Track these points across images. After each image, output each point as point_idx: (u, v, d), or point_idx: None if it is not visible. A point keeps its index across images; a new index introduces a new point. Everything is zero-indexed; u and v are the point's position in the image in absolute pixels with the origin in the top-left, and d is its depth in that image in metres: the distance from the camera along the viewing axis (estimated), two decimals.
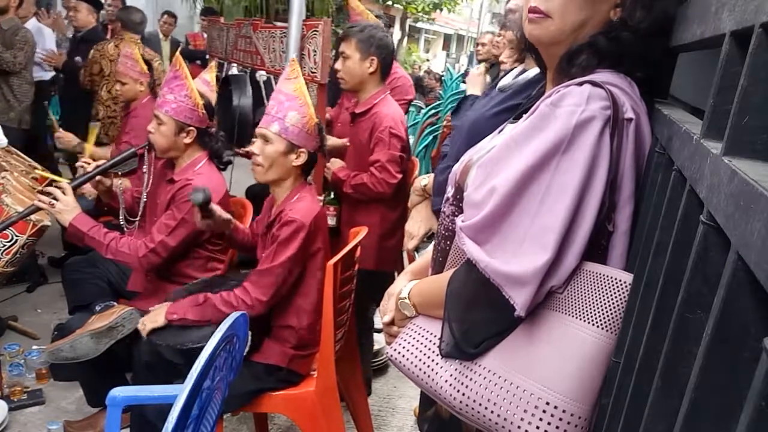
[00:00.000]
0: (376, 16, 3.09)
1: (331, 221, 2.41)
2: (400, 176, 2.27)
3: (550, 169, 0.79)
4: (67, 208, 2.01)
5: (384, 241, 2.39)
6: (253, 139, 1.85)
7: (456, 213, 0.96)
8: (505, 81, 1.53)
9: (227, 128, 2.87)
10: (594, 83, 0.81)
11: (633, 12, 0.85)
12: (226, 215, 1.90)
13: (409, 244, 1.87)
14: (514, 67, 1.58)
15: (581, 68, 0.87)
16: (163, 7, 6.36)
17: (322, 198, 2.44)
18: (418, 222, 1.87)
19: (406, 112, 3.48)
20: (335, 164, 2.41)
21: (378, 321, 2.15)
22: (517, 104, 1.29)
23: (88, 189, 2.56)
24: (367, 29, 2.31)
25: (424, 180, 1.87)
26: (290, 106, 1.80)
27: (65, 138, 3.15)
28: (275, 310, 1.85)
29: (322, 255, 1.85)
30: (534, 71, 1.40)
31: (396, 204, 2.43)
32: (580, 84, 0.82)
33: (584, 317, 0.80)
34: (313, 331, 1.86)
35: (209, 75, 2.37)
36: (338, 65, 2.32)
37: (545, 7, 0.87)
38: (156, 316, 1.81)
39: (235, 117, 3.26)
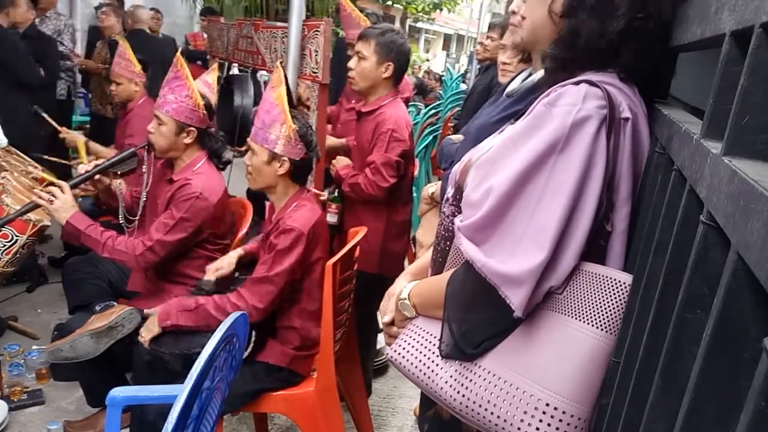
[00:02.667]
0: (367, 15, 3.07)
1: (332, 219, 2.41)
2: (393, 180, 2.24)
3: (546, 168, 0.78)
4: (64, 206, 2.01)
5: (388, 245, 2.36)
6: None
7: (455, 213, 0.96)
8: (513, 86, 1.52)
9: (229, 129, 2.86)
10: (590, 82, 0.81)
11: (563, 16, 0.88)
12: (232, 260, 1.94)
13: (420, 253, 1.86)
14: (522, 71, 1.57)
15: (550, 72, 0.91)
16: (162, 7, 6.35)
17: (325, 194, 2.43)
18: (428, 231, 1.85)
19: None
20: (340, 162, 2.40)
21: (378, 321, 2.15)
22: (519, 110, 1.29)
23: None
24: (387, 33, 2.28)
25: (431, 188, 1.86)
26: (270, 115, 1.80)
27: (71, 136, 3.13)
28: (279, 312, 1.84)
29: (321, 264, 1.84)
30: (540, 74, 1.40)
31: (402, 206, 2.41)
32: (577, 83, 0.82)
33: (584, 318, 0.80)
34: (315, 333, 1.86)
35: (211, 77, 2.37)
36: (352, 64, 2.29)
37: (522, 10, 0.95)
38: (150, 326, 1.81)
39: (237, 117, 3.26)
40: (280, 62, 1.91)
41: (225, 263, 1.96)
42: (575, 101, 0.79)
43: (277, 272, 1.74)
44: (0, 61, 3.42)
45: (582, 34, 0.85)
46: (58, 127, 3.15)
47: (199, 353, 1.68)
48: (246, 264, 1.99)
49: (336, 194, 2.42)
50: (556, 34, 0.89)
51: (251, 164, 1.83)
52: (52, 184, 2.09)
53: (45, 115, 3.11)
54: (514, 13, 1.51)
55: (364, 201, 2.31)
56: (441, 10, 17.70)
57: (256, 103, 3.64)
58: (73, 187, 2.11)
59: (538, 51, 0.97)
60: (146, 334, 1.81)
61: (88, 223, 2.03)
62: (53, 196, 2.02)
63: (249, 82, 3.49)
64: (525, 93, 1.43)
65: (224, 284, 1.93)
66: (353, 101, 3.05)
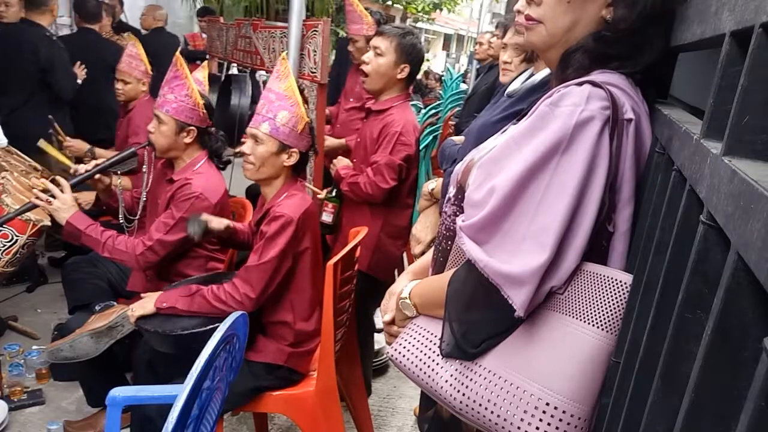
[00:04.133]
0: (371, 12, 3.08)
1: (327, 218, 2.40)
2: (393, 183, 2.23)
3: (549, 168, 0.79)
4: (64, 206, 2.01)
5: (382, 248, 2.36)
6: (243, 139, 1.85)
7: (457, 213, 0.96)
8: (514, 86, 1.52)
9: (226, 128, 2.86)
10: (594, 83, 0.81)
11: (618, 10, 0.86)
12: (223, 224, 1.91)
13: (416, 249, 1.86)
14: (523, 71, 1.57)
15: (575, 70, 0.88)
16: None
17: (323, 193, 2.43)
18: (425, 227, 1.85)
19: None
20: (340, 162, 2.40)
21: (378, 321, 2.15)
22: (521, 110, 1.29)
23: (84, 198, 2.54)
24: (408, 36, 2.28)
25: (431, 184, 1.86)
26: (281, 106, 1.78)
27: (76, 146, 3.09)
28: (269, 306, 1.84)
29: (309, 254, 1.84)
30: (541, 75, 1.40)
31: (401, 210, 2.40)
32: (580, 84, 0.82)
33: (584, 318, 0.80)
34: (309, 325, 1.86)
35: (201, 74, 2.37)
36: (367, 57, 2.27)
37: (536, 14, 0.91)
38: (145, 303, 1.80)
39: (235, 117, 3.26)
40: (285, 54, 1.91)
41: (217, 221, 1.92)
42: (579, 102, 0.79)
43: (267, 259, 1.73)
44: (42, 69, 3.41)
45: (631, 26, 0.85)
46: (66, 138, 3.11)
47: (185, 335, 1.69)
48: (241, 262, 1.99)
49: (333, 194, 2.42)
50: (589, 30, 0.88)
51: (254, 154, 1.78)
52: (52, 182, 2.09)
53: (57, 126, 3.07)
54: (519, 12, 1.51)
55: (362, 202, 2.31)
56: (441, 10, 17.68)
57: (254, 103, 3.64)
58: (73, 186, 2.10)
59: (547, 56, 0.96)
60: (138, 310, 1.79)
61: (89, 223, 2.03)
62: (52, 195, 2.01)
63: (248, 82, 3.50)
64: (527, 93, 1.43)
65: (209, 237, 1.95)
66: (352, 99, 3.05)
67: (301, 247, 1.82)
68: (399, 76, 2.27)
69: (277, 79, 1.81)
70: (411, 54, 2.25)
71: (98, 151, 3.10)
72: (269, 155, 1.78)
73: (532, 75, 1.48)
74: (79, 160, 2.95)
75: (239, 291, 1.74)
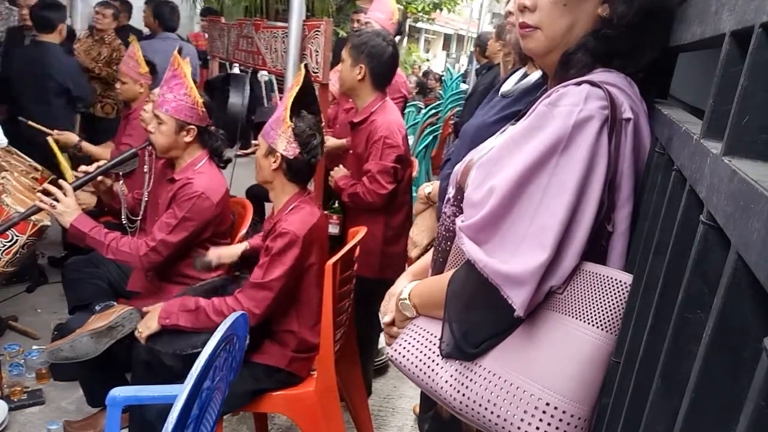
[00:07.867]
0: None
1: (334, 230, 2.41)
2: (391, 186, 2.25)
3: (548, 168, 0.79)
4: (68, 210, 2.01)
5: (387, 248, 2.37)
6: (253, 141, 1.89)
7: (457, 213, 0.96)
8: (507, 86, 1.52)
9: (225, 127, 2.86)
10: (592, 83, 0.81)
11: (616, 7, 0.86)
12: (237, 253, 1.98)
13: (412, 252, 1.85)
14: (515, 70, 1.57)
15: (577, 69, 0.88)
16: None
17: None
18: (422, 230, 1.84)
19: (402, 109, 3.49)
20: (338, 172, 2.41)
21: (380, 321, 2.14)
22: (518, 111, 1.29)
23: (86, 199, 2.54)
24: (364, 35, 2.30)
25: (428, 188, 1.85)
26: (277, 113, 1.84)
27: (64, 138, 3.07)
28: (275, 316, 1.84)
29: (316, 269, 1.84)
30: (535, 75, 1.40)
31: (398, 209, 2.42)
32: (578, 84, 0.82)
33: (584, 318, 0.80)
34: (313, 335, 1.86)
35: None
36: (338, 68, 2.34)
37: (532, 20, 0.90)
38: (149, 322, 1.81)
39: (236, 116, 3.26)
40: (305, 64, 1.91)
41: (228, 253, 2.00)
42: (577, 101, 0.79)
43: (272, 278, 1.74)
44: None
45: (631, 21, 0.85)
46: (48, 131, 3.06)
47: (193, 354, 1.70)
48: (248, 261, 1.99)
49: (336, 205, 2.42)
50: (586, 30, 0.88)
51: (257, 156, 1.87)
52: (54, 183, 2.09)
53: (32, 124, 3.02)
54: (510, 13, 1.51)
55: (364, 209, 2.32)
56: (441, 10, 17.69)
57: (252, 102, 3.64)
58: (76, 189, 2.10)
59: (546, 61, 0.95)
60: (144, 331, 1.80)
61: (92, 225, 2.03)
62: (56, 199, 2.01)
63: (246, 81, 3.50)
64: (524, 92, 1.43)
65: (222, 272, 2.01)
66: (352, 109, 3.07)
67: (308, 263, 1.82)
68: (358, 78, 2.28)
69: (288, 89, 1.94)
70: (363, 53, 2.25)
71: (85, 145, 3.10)
72: (260, 157, 1.86)
73: (526, 75, 1.48)
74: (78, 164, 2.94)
75: (243, 306, 1.74)
